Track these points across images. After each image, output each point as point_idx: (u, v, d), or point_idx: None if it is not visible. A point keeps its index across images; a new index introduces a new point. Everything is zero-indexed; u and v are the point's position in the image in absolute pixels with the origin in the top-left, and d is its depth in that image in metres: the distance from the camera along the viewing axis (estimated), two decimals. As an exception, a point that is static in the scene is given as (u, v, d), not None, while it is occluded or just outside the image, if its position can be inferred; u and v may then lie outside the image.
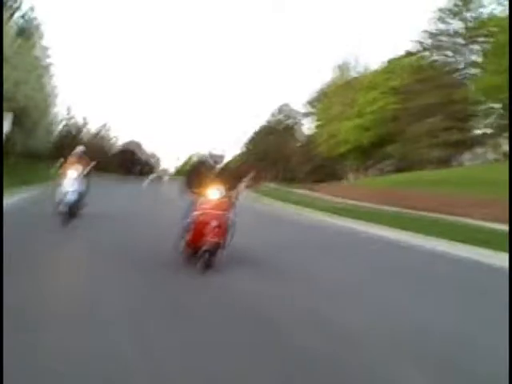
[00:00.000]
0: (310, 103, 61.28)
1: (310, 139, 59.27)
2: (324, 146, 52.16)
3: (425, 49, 39.72)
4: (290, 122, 64.34)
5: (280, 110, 64.46)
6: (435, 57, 39.99)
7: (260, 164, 57.69)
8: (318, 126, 58.43)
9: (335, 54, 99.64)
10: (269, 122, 65.02)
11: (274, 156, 60.66)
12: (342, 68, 53.05)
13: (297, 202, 24.50)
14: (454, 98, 36.48)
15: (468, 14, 35.62)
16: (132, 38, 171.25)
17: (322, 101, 56.98)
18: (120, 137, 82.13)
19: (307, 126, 64.35)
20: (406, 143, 38.31)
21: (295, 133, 64.78)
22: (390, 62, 43.80)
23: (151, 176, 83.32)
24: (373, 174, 48.93)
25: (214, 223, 5.96)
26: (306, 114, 63.14)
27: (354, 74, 51.58)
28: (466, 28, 35.64)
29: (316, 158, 55.89)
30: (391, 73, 41.44)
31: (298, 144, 62.69)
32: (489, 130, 40.14)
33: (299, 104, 63.90)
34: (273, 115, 64.99)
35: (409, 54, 41.06)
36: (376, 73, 45.16)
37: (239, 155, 67.35)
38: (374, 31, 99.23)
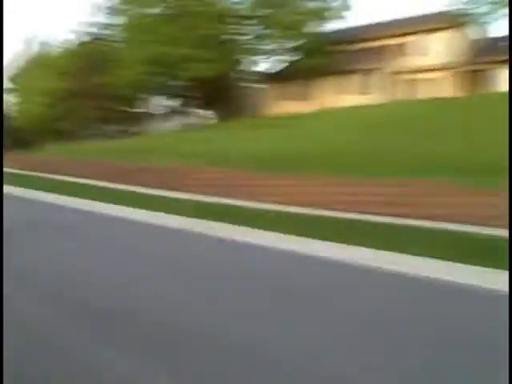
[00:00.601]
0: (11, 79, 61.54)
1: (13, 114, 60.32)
2: (21, 120, 54.64)
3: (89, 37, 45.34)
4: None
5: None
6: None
7: None
8: (16, 101, 59.81)
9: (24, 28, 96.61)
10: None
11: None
12: (28, 43, 55.00)
13: None
14: (114, 82, 43.33)
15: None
16: None
17: (20, 76, 58.26)
18: None
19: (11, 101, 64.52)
20: (73, 120, 44.16)
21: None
22: (64, 43, 48.41)
23: None
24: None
25: None
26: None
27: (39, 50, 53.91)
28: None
29: (16, 130, 57.54)
30: (63, 55, 46.11)
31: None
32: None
33: None
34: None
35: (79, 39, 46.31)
36: (53, 52, 49.29)
37: None
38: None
